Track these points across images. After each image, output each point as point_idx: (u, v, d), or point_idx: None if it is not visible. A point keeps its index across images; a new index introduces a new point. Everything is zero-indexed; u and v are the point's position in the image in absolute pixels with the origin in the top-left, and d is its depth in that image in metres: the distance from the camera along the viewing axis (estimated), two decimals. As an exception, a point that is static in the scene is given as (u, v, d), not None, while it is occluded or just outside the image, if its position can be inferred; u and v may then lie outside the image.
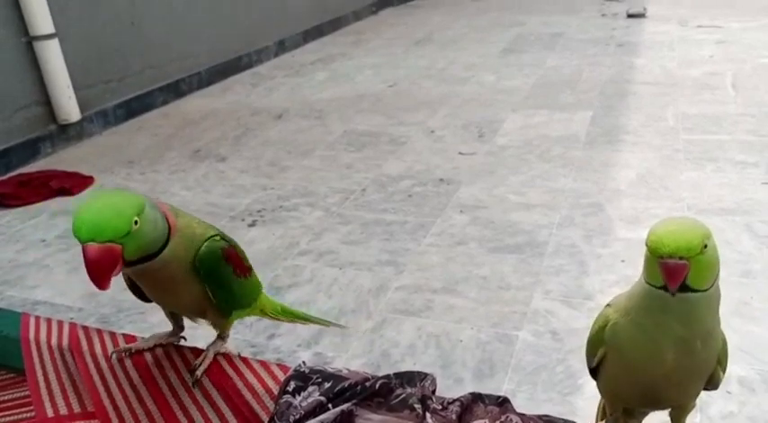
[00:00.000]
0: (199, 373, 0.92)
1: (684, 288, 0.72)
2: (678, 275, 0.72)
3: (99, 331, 0.96)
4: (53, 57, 3.12)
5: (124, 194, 0.80)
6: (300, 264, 2.05)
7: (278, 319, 1.09)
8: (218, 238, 0.90)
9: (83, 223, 0.75)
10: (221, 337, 0.98)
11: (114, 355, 0.94)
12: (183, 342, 1.01)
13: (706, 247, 0.71)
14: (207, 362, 0.94)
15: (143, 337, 0.99)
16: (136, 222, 0.77)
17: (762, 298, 1.71)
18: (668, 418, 0.89)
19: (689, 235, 0.72)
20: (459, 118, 3.30)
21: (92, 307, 1.90)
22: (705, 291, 0.73)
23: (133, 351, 0.95)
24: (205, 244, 0.87)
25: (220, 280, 0.91)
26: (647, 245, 0.73)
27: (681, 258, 0.71)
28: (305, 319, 1.11)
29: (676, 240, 0.72)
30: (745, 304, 1.69)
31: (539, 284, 1.84)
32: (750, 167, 2.48)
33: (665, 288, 0.73)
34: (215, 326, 0.97)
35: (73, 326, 0.99)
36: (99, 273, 0.75)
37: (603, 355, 0.82)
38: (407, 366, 1.54)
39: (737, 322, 1.61)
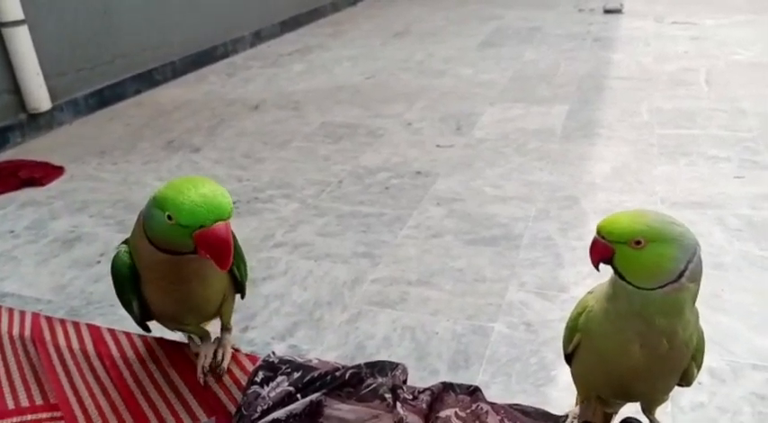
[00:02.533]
0: (225, 365, 0.94)
1: (619, 275, 0.75)
2: (595, 252, 0.75)
3: (62, 322, 0.94)
4: (22, 44, 3.04)
5: (205, 178, 0.83)
6: (275, 256, 2.03)
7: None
8: None
9: (223, 207, 0.78)
10: (228, 329, 1.00)
11: (202, 379, 0.93)
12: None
13: (639, 244, 0.71)
14: (228, 355, 0.97)
15: (203, 355, 0.97)
16: None
17: (732, 289, 1.73)
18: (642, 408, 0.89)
19: (623, 223, 0.73)
20: (437, 111, 3.29)
21: (61, 299, 1.86)
22: (645, 290, 0.73)
23: (207, 369, 0.94)
24: None
25: (240, 251, 0.95)
26: None
27: (603, 238, 0.73)
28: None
29: (611, 222, 0.74)
30: (716, 296, 1.71)
31: (514, 277, 1.85)
32: (722, 162, 2.52)
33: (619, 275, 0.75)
34: (224, 317, 0.99)
35: (36, 316, 0.96)
36: (230, 249, 0.77)
37: (578, 343, 0.82)
38: (382, 358, 1.53)
39: (708, 313, 1.63)
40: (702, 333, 0.82)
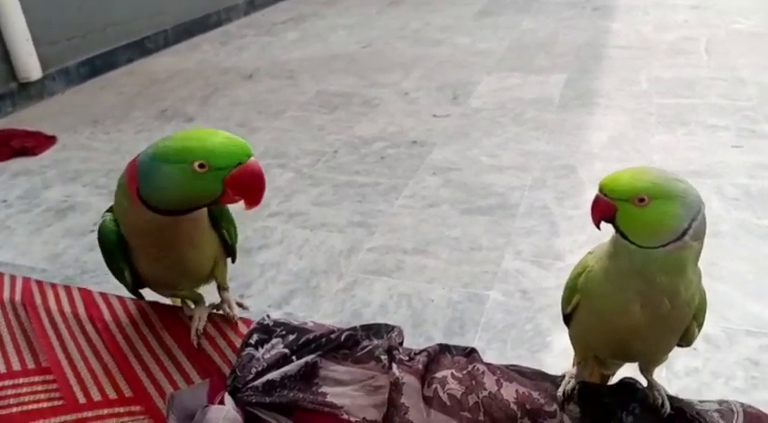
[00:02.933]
0: (235, 313, 0.95)
1: (621, 234, 0.73)
2: (597, 211, 0.73)
3: (53, 286, 0.93)
4: (12, 12, 2.98)
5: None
6: (270, 225, 2.02)
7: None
8: None
9: (247, 145, 0.78)
10: (225, 288, 1.00)
11: (196, 341, 0.93)
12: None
13: (643, 201, 0.69)
14: (234, 306, 0.97)
15: (197, 317, 0.96)
16: None
17: (728, 257, 1.73)
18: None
19: (627, 181, 0.71)
20: (434, 80, 3.25)
21: (55, 268, 1.85)
22: (647, 248, 0.71)
23: (201, 332, 0.93)
24: None
25: (228, 214, 0.95)
26: None
27: (605, 195, 0.71)
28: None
29: (614, 180, 0.72)
30: (713, 264, 1.71)
31: (510, 245, 1.84)
32: (721, 131, 2.50)
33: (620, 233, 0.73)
34: (218, 278, 0.98)
35: (26, 280, 0.95)
36: (265, 182, 0.78)
37: (577, 303, 0.81)
38: (378, 325, 1.54)
39: (705, 281, 1.62)
40: (704, 293, 0.81)
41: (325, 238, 1.93)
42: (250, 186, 0.77)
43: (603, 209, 0.72)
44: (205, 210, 0.87)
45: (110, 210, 0.91)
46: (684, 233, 0.71)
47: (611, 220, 0.73)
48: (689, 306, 0.76)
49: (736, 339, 1.45)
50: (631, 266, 0.72)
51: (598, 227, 0.74)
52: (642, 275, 0.72)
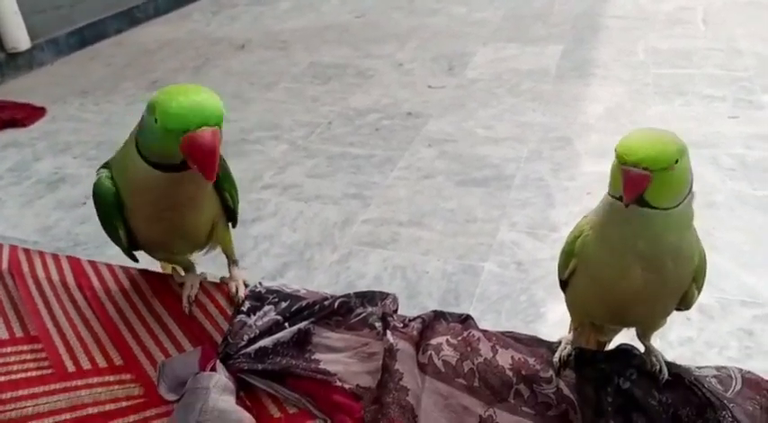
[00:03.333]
0: (242, 294, 0.93)
1: (641, 202, 0.68)
2: (637, 186, 0.66)
3: (41, 254, 0.91)
4: (-3, -20, 2.91)
5: (202, 86, 0.78)
6: (264, 197, 2.00)
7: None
8: None
9: (209, 111, 0.73)
10: (234, 261, 0.99)
11: (187, 309, 0.91)
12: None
13: (677, 163, 0.67)
14: (242, 287, 0.95)
15: (189, 285, 0.94)
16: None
17: (723, 228, 1.73)
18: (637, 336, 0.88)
19: (660, 147, 0.67)
20: (429, 51, 3.21)
21: (47, 241, 1.84)
22: (665, 209, 0.69)
23: (192, 299, 0.91)
24: None
25: (230, 176, 0.93)
26: (616, 151, 0.69)
27: (645, 169, 0.66)
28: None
29: (646, 149, 0.67)
30: (708, 234, 1.70)
31: (505, 217, 1.83)
32: (717, 101, 2.48)
33: (621, 198, 0.69)
34: (223, 246, 0.96)
35: (13, 248, 0.94)
36: (214, 155, 0.73)
37: (574, 268, 0.80)
38: (372, 296, 1.53)
39: (699, 251, 1.63)
40: (704, 252, 0.80)
41: (320, 210, 1.91)
42: (195, 156, 0.73)
43: (642, 182, 0.66)
44: None
45: (105, 165, 0.89)
46: (692, 185, 0.70)
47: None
48: (689, 265, 0.75)
49: (731, 309, 1.45)
50: (635, 230, 0.70)
51: (630, 204, 0.67)
52: (651, 237, 0.70)
